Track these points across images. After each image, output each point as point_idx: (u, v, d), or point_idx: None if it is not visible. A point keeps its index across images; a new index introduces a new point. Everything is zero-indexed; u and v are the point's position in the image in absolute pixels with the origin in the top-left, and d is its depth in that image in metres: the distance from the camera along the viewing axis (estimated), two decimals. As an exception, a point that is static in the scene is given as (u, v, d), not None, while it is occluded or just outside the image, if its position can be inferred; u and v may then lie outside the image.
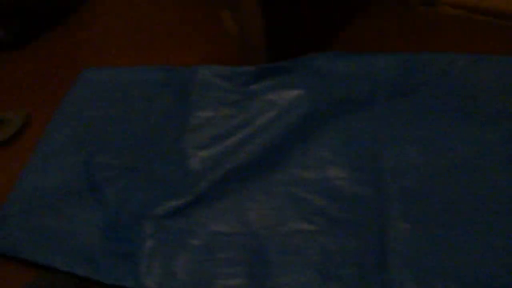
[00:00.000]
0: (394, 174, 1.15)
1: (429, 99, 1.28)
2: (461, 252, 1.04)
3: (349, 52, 1.42)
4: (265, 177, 1.21)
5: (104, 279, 1.12)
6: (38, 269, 1.19)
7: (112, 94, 1.54)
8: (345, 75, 1.34)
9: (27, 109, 1.63)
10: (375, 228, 1.08)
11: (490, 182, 1.13)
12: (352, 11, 1.65)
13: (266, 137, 1.25)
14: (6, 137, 1.54)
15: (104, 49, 1.83)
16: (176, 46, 1.74)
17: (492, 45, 1.50)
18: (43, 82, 1.76)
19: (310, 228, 1.11)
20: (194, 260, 1.09)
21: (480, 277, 0.99)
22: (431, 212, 1.08)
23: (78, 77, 1.63)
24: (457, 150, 1.20)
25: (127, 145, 1.38)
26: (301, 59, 1.37)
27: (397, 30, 1.59)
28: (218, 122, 1.33)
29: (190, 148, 1.29)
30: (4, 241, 1.24)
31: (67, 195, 1.29)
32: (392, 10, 1.67)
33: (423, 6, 1.64)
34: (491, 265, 1.01)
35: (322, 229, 1.10)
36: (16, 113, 1.60)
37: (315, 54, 1.38)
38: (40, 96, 1.70)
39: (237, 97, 1.37)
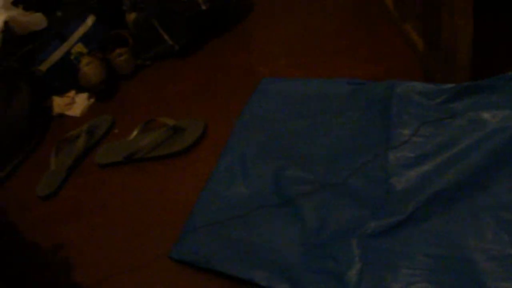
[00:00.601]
0: None
1: None
2: None
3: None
4: (471, 200, 1.15)
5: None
6: (226, 279, 1.20)
7: (295, 106, 1.53)
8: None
9: (203, 117, 1.64)
10: None
11: None
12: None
13: (473, 157, 1.19)
14: (186, 146, 1.56)
15: (274, 60, 1.82)
16: (357, 60, 1.71)
17: None
18: (215, 91, 1.77)
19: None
20: (404, 283, 1.05)
21: None
22: None
23: (257, 88, 1.62)
24: None
25: (319, 160, 1.36)
26: (503, 76, 1.29)
27: None
28: (421, 141, 1.27)
29: (393, 166, 1.25)
30: (195, 251, 1.27)
31: (257, 208, 1.29)
32: None
33: None
34: None
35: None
36: (194, 122, 1.62)
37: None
38: (214, 105, 1.71)
39: (438, 115, 1.31)
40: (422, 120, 1.30)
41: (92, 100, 2.03)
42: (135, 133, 1.66)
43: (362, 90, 1.47)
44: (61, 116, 2.04)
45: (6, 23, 1.85)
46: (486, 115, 1.24)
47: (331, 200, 1.24)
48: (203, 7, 1.97)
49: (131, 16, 2.02)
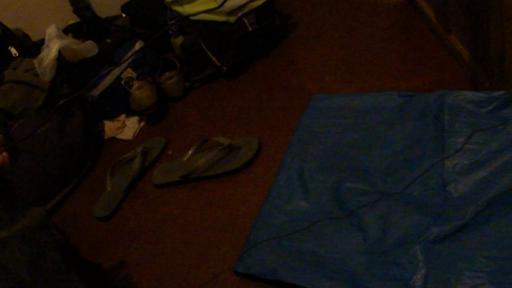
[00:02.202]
0: None
1: None
2: None
3: None
4: (528, 202, 1.15)
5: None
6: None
7: (348, 120, 1.57)
8: None
9: (256, 134, 1.70)
10: None
11: None
12: None
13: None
14: (243, 163, 1.60)
15: (322, 77, 1.86)
16: (403, 73, 1.75)
17: None
18: (266, 109, 1.81)
19: None
20: (468, 285, 1.08)
21: None
22: None
23: (308, 104, 1.66)
24: None
25: (376, 171, 1.39)
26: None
27: None
28: (474, 148, 1.31)
29: (450, 173, 1.28)
30: (260, 264, 1.30)
31: (321, 220, 1.31)
32: None
33: None
34: None
35: None
36: (248, 139, 1.66)
37: None
38: (266, 122, 1.75)
39: (490, 123, 1.34)
40: (474, 128, 1.33)
41: (142, 123, 2.08)
42: (190, 153, 1.70)
43: (413, 102, 1.50)
44: (113, 140, 2.09)
45: (59, 51, 1.90)
46: None
47: (391, 209, 1.27)
48: (250, 29, 2.01)
49: (178, 40, 2.07)
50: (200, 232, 1.49)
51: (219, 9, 1.95)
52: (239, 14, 2.01)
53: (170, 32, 2.12)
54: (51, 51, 1.90)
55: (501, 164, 1.23)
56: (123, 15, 2.38)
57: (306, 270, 1.22)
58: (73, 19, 2.35)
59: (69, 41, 1.97)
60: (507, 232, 1.13)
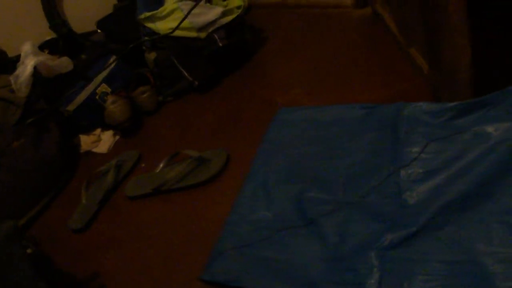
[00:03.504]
0: None
1: None
2: None
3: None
4: (479, 208, 1.23)
5: (329, 307, 1.18)
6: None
7: (312, 132, 1.63)
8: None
9: (226, 147, 1.76)
10: None
11: None
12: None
13: (478, 169, 1.27)
14: (211, 175, 1.66)
15: (290, 90, 1.93)
16: (368, 86, 1.81)
17: None
18: (236, 122, 1.88)
19: (532, 253, 1.10)
20: (421, 288, 1.11)
21: None
22: None
23: (275, 117, 1.72)
24: None
25: (337, 181, 1.45)
26: (504, 91, 1.38)
27: None
28: (429, 157, 1.37)
29: (405, 182, 1.34)
30: (226, 271, 1.35)
31: (283, 229, 1.38)
32: None
33: None
34: None
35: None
36: (217, 152, 1.72)
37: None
38: (236, 135, 1.82)
39: (444, 133, 1.40)
40: (429, 138, 1.40)
41: (117, 137, 2.14)
42: (161, 165, 1.75)
43: (374, 113, 1.57)
44: (88, 153, 2.14)
45: (35, 67, 1.95)
46: (489, 129, 1.33)
47: (349, 217, 1.33)
48: (220, 44, 2.08)
49: (152, 55, 2.13)
50: (171, 242, 1.54)
51: (190, 26, 2.02)
52: (210, 30, 2.08)
53: (144, 47, 2.17)
54: (26, 68, 1.95)
55: (454, 172, 1.30)
56: (99, 31, 2.42)
57: (268, 277, 1.28)
58: (49, 35, 2.41)
59: (44, 57, 2.02)
60: (458, 237, 1.19)
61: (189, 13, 1.97)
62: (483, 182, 1.25)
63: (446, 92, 1.50)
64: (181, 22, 1.99)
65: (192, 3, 2.05)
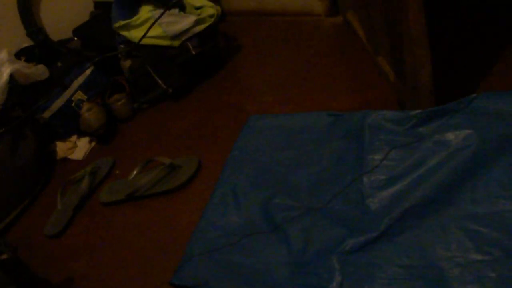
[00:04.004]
0: None
1: None
2: None
3: (509, 90, 1.46)
4: (439, 213, 1.28)
5: (293, 309, 1.22)
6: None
7: (280, 139, 1.68)
8: (506, 112, 1.39)
9: (198, 154, 1.81)
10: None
11: None
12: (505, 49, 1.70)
13: (438, 176, 1.32)
14: (182, 182, 1.71)
15: (261, 98, 1.97)
16: (338, 93, 1.87)
17: None
18: (208, 130, 1.93)
19: (487, 258, 1.16)
20: (380, 291, 1.16)
21: None
22: None
23: (245, 125, 1.77)
24: None
25: (303, 187, 1.50)
26: (463, 99, 1.44)
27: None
28: (391, 164, 1.42)
29: (368, 188, 1.39)
30: (194, 276, 1.40)
31: (250, 234, 1.43)
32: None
33: None
34: None
35: (497, 258, 1.15)
36: (189, 159, 1.77)
37: (476, 94, 1.44)
38: (208, 142, 1.87)
39: (407, 140, 1.45)
40: (392, 145, 1.45)
41: (93, 143, 2.17)
42: (134, 172, 1.79)
43: (340, 121, 1.62)
44: (65, 160, 2.17)
45: (11, 75, 1.98)
46: (449, 136, 1.39)
47: (314, 223, 1.38)
48: (193, 52, 2.12)
49: (127, 63, 2.17)
50: (144, 247, 1.58)
51: (164, 34, 2.06)
52: (183, 38, 2.12)
53: (119, 55, 2.21)
54: (2, 76, 1.98)
55: (415, 179, 1.35)
56: (75, 38, 2.45)
57: (235, 281, 1.32)
58: (26, 42, 2.43)
59: (20, 65, 2.05)
60: (418, 242, 1.24)
61: (156, 20, 2.03)
62: (443, 189, 1.30)
63: (409, 100, 1.55)
64: (148, 30, 2.04)
65: (166, 12, 2.07)
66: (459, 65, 1.72)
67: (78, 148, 2.15)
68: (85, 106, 2.09)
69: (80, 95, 2.15)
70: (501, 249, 1.17)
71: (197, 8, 2.21)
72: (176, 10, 2.14)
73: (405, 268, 1.21)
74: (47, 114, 2.11)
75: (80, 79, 2.17)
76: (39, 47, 2.37)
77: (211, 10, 2.18)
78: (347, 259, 1.25)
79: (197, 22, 2.11)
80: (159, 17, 2.02)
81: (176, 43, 2.10)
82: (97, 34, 2.39)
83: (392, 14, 1.45)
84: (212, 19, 2.16)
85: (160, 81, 2.13)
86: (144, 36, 2.06)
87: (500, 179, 1.29)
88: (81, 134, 2.19)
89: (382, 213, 1.31)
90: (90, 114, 2.06)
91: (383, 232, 1.27)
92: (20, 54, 2.31)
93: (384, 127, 1.49)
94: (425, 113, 1.46)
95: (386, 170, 1.40)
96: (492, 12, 1.91)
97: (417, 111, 1.46)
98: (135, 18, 2.11)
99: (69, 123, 2.16)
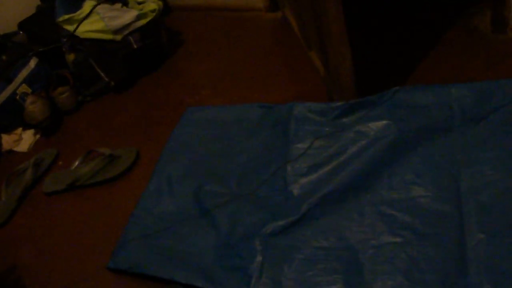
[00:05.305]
0: (471, 191, 1.29)
1: (501, 123, 1.40)
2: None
3: (427, 84, 1.57)
4: (357, 199, 1.38)
5: (220, 289, 1.31)
6: (156, 282, 1.41)
7: (214, 131, 1.77)
8: (424, 106, 1.50)
9: (137, 145, 1.88)
10: (455, 239, 1.22)
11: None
12: (427, 45, 1.81)
13: (357, 163, 1.43)
14: (120, 171, 1.78)
15: (200, 91, 2.06)
16: (273, 86, 1.96)
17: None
18: (148, 121, 2.00)
19: (398, 240, 1.27)
20: (298, 271, 1.28)
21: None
22: (505, 223, 1.20)
23: (182, 117, 1.85)
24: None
25: (233, 175, 1.59)
26: (385, 93, 1.54)
27: (471, 59, 1.74)
28: (314, 152, 1.51)
29: (291, 176, 1.49)
30: (128, 260, 1.48)
31: (182, 220, 1.51)
32: (464, 40, 1.81)
33: (494, 34, 1.77)
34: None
35: (408, 241, 1.26)
36: (128, 150, 1.84)
37: (397, 88, 1.54)
38: (147, 134, 1.95)
39: (330, 130, 1.55)
40: (316, 135, 1.54)
41: (38, 136, 2.21)
42: (76, 163, 1.86)
43: (270, 113, 1.71)
44: (10, 152, 2.20)
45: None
46: (369, 127, 1.49)
47: (241, 208, 1.47)
48: (135, 46, 2.19)
49: (71, 57, 2.22)
50: (84, 234, 1.65)
51: (106, 29, 2.12)
52: (125, 32, 2.18)
53: (64, 49, 2.26)
54: None
55: (335, 166, 1.45)
56: (21, 32, 2.48)
57: (166, 264, 1.40)
58: (-29, 36, 2.44)
59: (-36, 59, 2.08)
60: (336, 225, 1.34)
61: (91, 11, 2.10)
62: (361, 176, 1.41)
63: (336, 93, 1.65)
64: (78, 24, 2.11)
65: (108, 7, 2.13)
66: (385, 61, 1.83)
67: (23, 140, 2.19)
68: (30, 99, 2.13)
69: (24, 88, 2.19)
70: (413, 232, 1.27)
71: (140, 3, 2.26)
72: (119, 5, 2.18)
73: (322, 250, 1.30)
74: (-9, 107, 2.14)
75: (25, 72, 2.21)
76: (-16, 41, 2.39)
77: (153, 5, 2.24)
78: (269, 242, 1.34)
79: (139, 17, 2.17)
80: (93, 9, 2.06)
81: (118, 37, 2.16)
82: (43, 27, 2.42)
83: (318, 12, 1.53)
84: (154, 14, 2.22)
85: (102, 74, 2.19)
86: (75, 30, 2.11)
87: (416, 168, 1.39)
88: (26, 127, 2.22)
89: (303, 198, 1.40)
90: (34, 107, 2.11)
91: (303, 216, 1.36)
92: (-36, 48, 2.34)
93: (309, 118, 1.59)
94: (348, 105, 1.55)
95: (309, 159, 1.50)
96: (418, 11, 2.03)
97: (340, 103, 1.56)
98: (78, 12, 2.15)
99: (13, 116, 2.20)
